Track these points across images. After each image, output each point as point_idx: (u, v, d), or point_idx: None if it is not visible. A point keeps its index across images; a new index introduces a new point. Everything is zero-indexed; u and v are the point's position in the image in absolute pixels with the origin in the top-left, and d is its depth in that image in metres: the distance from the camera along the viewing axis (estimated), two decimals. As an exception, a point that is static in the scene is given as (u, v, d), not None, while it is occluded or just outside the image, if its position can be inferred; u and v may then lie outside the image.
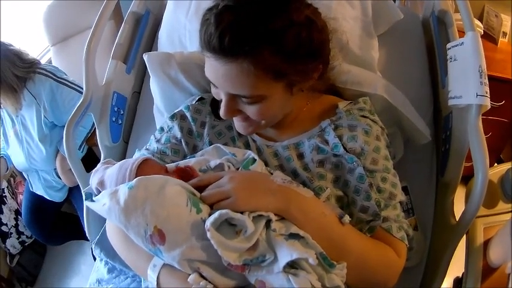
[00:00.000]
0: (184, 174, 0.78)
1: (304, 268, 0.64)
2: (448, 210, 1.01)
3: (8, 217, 2.07)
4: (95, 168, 0.83)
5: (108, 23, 1.95)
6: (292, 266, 0.65)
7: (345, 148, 0.82)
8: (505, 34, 1.96)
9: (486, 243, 0.95)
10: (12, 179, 2.16)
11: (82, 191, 0.99)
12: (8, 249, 2.07)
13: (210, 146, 0.89)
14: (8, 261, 2.11)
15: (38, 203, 1.94)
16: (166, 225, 0.66)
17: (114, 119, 1.26)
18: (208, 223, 0.65)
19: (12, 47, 1.64)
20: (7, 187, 2.10)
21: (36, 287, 2.20)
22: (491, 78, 1.63)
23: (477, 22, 1.89)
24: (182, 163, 0.83)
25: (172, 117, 0.96)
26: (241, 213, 0.68)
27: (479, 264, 0.93)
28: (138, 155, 0.95)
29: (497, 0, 1.95)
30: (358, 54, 1.12)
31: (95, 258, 1.41)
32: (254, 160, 0.82)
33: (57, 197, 1.90)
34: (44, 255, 2.34)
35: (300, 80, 0.77)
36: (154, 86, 1.15)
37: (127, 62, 1.33)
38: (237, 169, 0.82)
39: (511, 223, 0.87)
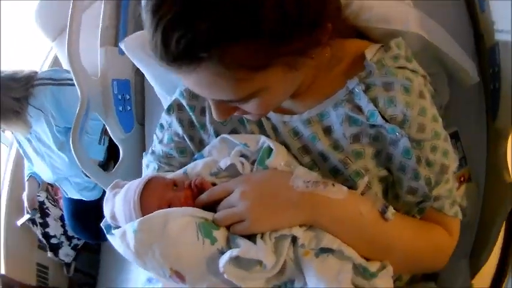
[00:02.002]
0: (196, 189, 0.69)
1: None
2: (501, 163, 0.89)
3: (54, 227, 2.08)
4: (105, 197, 0.76)
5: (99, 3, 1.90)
6: None
7: (383, 116, 0.65)
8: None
9: None
10: (50, 186, 2.17)
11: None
12: (63, 260, 2.11)
13: (216, 137, 0.76)
14: (65, 271, 2.14)
15: (77, 207, 1.95)
16: (181, 265, 0.61)
17: (121, 108, 1.22)
18: (221, 265, 0.58)
19: (4, 73, 1.62)
20: (46, 197, 2.12)
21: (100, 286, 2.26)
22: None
23: None
24: (190, 169, 0.73)
25: (169, 110, 0.83)
26: (262, 234, 0.61)
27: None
28: (145, 163, 0.86)
29: None
30: None
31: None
32: (270, 150, 0.68)
33: (93, 195, 1.90)
34: (99, 251, 2.39)
35: (302, 56, 0.58)
36: (144, 71, 1.03)
37: (117, 43, 1.24)
38: (253, 162, 0.70)
39: None
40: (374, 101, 0.66)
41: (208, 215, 0.64)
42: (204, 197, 0.67)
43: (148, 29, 0.53)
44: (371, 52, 0.70)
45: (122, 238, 0.64)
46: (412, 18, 0.79)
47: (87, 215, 1.98)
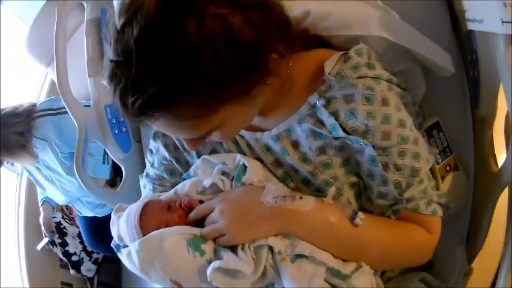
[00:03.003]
0: (186, 208, 0.76)
1: None
2: (487, 151, 0.86)
3: (73, 245, 2.12)
4: (111, 220, 0.83)
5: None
6: None
7: (344, 129, 0.66)
8: None
9: None
10: (64, 207, 2.21)
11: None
12: (85, 275, 2.15)
13: (198, 157, 0.81)
14: (89, 286, 2.19)
15: (92, 224, 1.99)
16: (179, 277, 0.69)
17: (117, 131, 1.27)
18: (208, 274, 0.65)
19: (3, 111, 1.64)
20: (62, 217, 2.16)
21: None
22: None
23: None
24: (179, 189, 0.79)
25: (154, 136, 0.88)
26: (242, 245, 0.67)
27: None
28: (142, 184, 0.92)
29: None
30: None
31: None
32: (245, 167, 0.73)
33: (105, 211, 1.93)
34: (120, 261, 2.44)
35: (254, 85, 0.60)
36: None
37: (104, 71, 1.27)
38: (232, 179, 0.75)
39: None
40: (335, 115, 0.67)
41: (196, 231, 0.70)
42: (192, 215, 0.73)
43: (110, 93, 0.58)
44: (330, 64, 0.69)
45: (128, 257, 0.72)
46: (373, 20, 0.76)
47: (103, 230, 2.01)
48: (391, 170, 0.67)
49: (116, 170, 1.83)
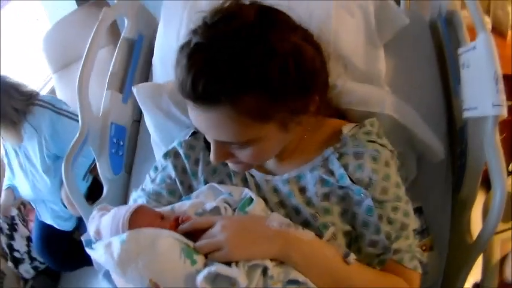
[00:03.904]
0: (182, 222, 0.76)
1: None
2: (464, 229, 0.97)
3: (19, 244, 2.08)
4: (91, 215, 0.82)
5: (107, 48, 1.95)
6: None
7: (351, 179, 0.77)
8: (512, 27, 1.79)
9: (502, 259, 0.92)
10: (22, 206, 2.18)
11: (82, 238, 0.98)
12: (21, 274, 2.08)
13: (205, 185, 0.85)
14: (22, 285, 2.11)
15: (48, 232, 1.95)
16: (162, 279, 0.66)
17: (114, 151, 1.23)
18: (198, 281, 0.64)
19: (9, 80, 1.64)
20: (17, 214, 2.11)
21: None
22: (503, 77, 1.53)
23: (486, 19, 1.78)
24: (178, 206, 0.81)
25: (166, 155, 0.93)
26: (236, 262, 0.67)
27: (495, 282, 0.92)
28: (134, 197, 0.93)
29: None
30: (363, 69, 1.03)
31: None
32: (251, 200, 0.78)
33: (66, 226, 1.91)
34: (58, 280, 2.34)
35: (294, 117, 0.71)
36: (147, 119, 1.12)
37: (123, 91, 1.29)
38: (234, 210, 0.79)
39: None
40: (345, 166, 0.77)
41: (190, 242, 0.70)
42: (185, 226, 0.73)
43: (181, 72, 0.65)
44: (347, 128, 0.83)
45: (106, 247, 0.68)
46: (388, 102, 0.94)
47: (57, 243, 1.98)
48: (384, 222, 0.75)
49: (89, 194, 1.80)
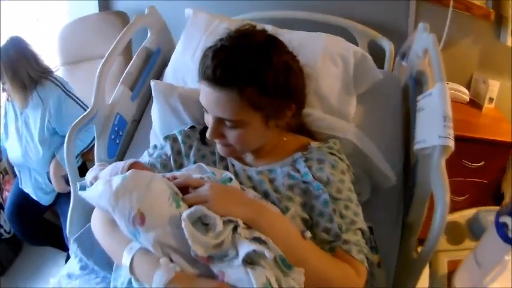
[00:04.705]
0: (173, 179, 0.87)
1: (262, 265, 0.71)
2: (411, 248, 1.06)
3: None
4: (91, 168, 0.95)
5: (118, 58, 2.01)
6: (252, 263, 0.72)
7: (313, 176, 0.94)
8: (491, 100, 1.97)
9: (450, 275, 0.95)
10: (1, 175, 2.18)
11: (75, 186, 1.12)
12: None
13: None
14: None
15: (24, 201, 1.95)
16: (148, 211, 0.76)
17: (113, 137, 1.36)
18: (184, 215, 0.74)
19: (31, 48, 1.74)
20: None
21: (3, 279, 2.17)
22: (471, 140, 1.68)
23: (463, 89, 2.00)
24: (168, 175, 0.92)
25: (166, 138, 1.12)
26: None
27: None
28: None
29: (486, 66, 1.99)
30: (335, 107, 1.28)
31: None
32: (231, 179, 0.93)
33: (44, 199, 1.91)
34: (19, 253, 2.31)
35: (275, 114, 0.93)
36: (155, 110, 1.30)
37: (133, 90, 1.44)
38: None
39: (474, 253, 0.87)
40: (309, 167, 0.96)
41: (179, 193, 0.81)
42: (180, 180, 0.86)
43: (205, 60, 0.88)
44: (315, 144, 1.04)
45: (106, 182, 0.80)
46: (351, 131, 1.15)
47: (29, 213, 1.98)
48: (336, 215, 0.89)
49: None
